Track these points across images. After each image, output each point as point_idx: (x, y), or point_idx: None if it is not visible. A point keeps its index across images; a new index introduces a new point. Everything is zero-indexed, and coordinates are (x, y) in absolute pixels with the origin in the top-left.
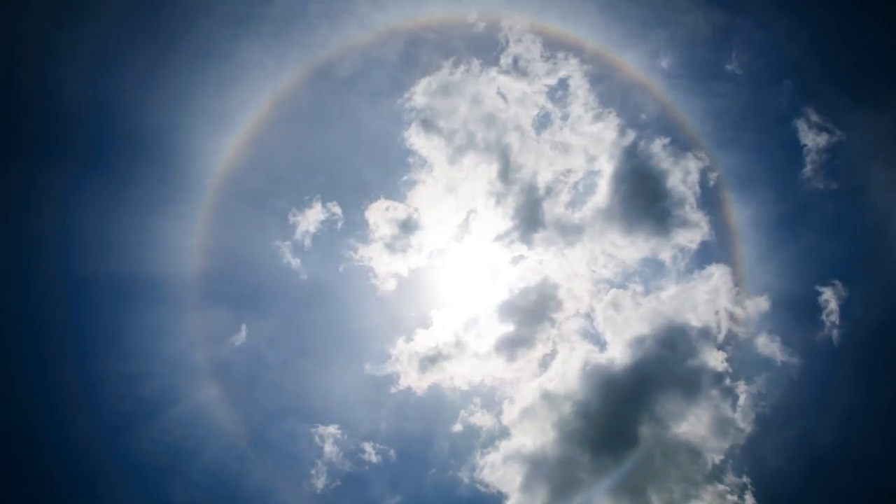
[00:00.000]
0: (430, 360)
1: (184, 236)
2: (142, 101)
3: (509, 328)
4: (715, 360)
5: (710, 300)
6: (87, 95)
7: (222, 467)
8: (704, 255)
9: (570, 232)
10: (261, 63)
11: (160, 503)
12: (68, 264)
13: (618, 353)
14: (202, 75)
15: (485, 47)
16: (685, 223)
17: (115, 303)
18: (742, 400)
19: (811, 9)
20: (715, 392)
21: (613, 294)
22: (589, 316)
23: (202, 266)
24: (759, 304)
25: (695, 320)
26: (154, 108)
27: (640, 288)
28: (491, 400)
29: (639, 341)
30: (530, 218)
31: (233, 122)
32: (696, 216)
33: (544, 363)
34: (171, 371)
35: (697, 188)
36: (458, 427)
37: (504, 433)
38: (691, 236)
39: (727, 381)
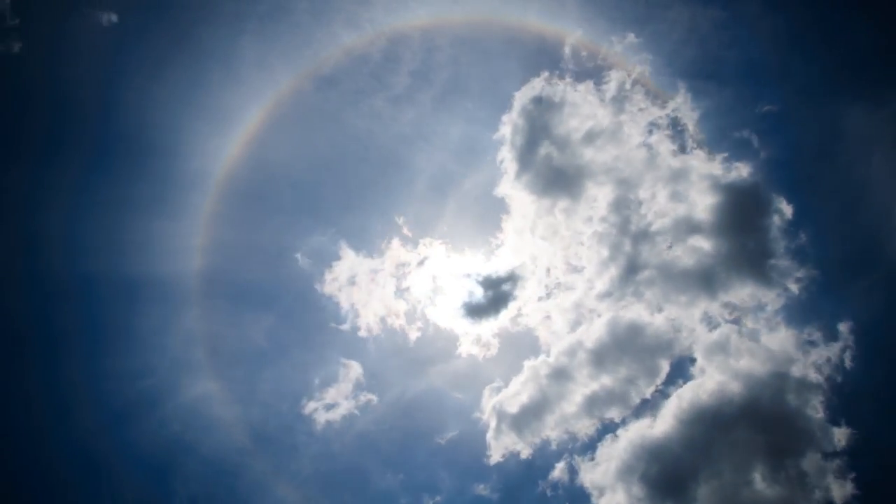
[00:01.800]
0: (522, 418)
1: (186, 235)
2: (142, 100)
3: (608, 378)
4: (819, 412)
5: (821, 352)
6: (90, 95)
7: (225, 459)
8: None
9: (673, 272)
10: (262, 63)
11: (161, 493)
12: (72, 262)
13: (722, 400)
14: (205, 74)
15: (586, 72)
16: (792, 268)
17: (117, 300)
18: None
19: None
20: (819, 452)
21: (719, 335)
22: (692, 360)
23: (203, 265)
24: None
25: (801, 372)
26: (154, 107)
27: (747, 330)
28: (587, 452)
29: (746, 387)
30: (632, 259)
31: (235, 121)
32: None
33: (645, 411)
34: (174, 367)
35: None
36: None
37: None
38: (800, 284)
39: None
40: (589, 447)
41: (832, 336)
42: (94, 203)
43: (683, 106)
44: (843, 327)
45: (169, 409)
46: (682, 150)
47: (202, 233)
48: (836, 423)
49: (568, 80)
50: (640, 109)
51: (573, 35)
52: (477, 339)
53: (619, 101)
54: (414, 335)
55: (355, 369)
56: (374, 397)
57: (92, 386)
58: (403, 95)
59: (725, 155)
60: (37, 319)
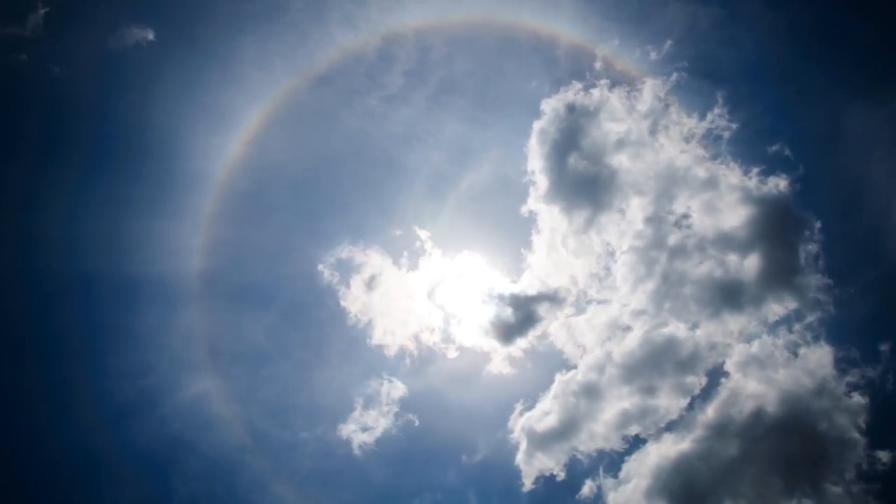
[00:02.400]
0: (553, 436)
1: (186, 236)
2: (142, 100)
3: (642, 393)
4: (859, 433)
5: (861, 373)
6: (90, 95)
7: (226, 458)
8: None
9: (708, 287)
10: (261, 63)
11: (161, 491)
12: (72, 262)
13: (756, 417)
14: (203, 74)
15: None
16: (828, 286)
17: (117, 299)
18: None
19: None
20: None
21: (756, 350)
22: (726, 374)
23: (204, 265)
24: None
25: (840, 391)
26: (154, 107)
27: (782, 345)
28: (617, 468)
29: (781, 404)
30: (667, 274)
31: (235, 121)
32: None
33: (678, 426)
34: (174, 365)
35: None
36: None
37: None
38: (837, 302)
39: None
40: (618, 463)
41: (873, 357)
42: (94, 203)
43: (719, 118)
44: (884, 347)
45: (169, 407)
46: (714, 160)
47: (202, 233)
48: (879, 446)
49: (598, 88)
50: (673, 122)
51: (572, 36)
52: (507, 356)
53: (652, 113)
54: (441, 352)
55: (392, 385)
56: (400, 412)
57: (92, 384)
58: (398, 95)
59: (760, 168)
60: (37, 319)
